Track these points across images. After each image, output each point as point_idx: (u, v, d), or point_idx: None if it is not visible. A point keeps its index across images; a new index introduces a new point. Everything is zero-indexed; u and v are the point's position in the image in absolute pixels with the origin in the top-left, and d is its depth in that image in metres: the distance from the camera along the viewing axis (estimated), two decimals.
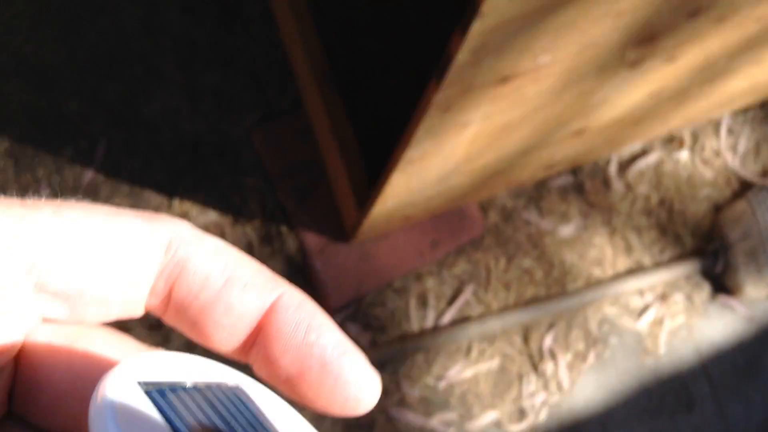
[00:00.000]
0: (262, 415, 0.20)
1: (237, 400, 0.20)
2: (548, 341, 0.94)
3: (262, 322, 0.20)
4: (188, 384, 0.19)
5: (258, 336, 0.20)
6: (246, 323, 0.20)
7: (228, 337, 0.20)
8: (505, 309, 0.94)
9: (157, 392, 0.17)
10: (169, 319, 0.21)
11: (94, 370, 0.20)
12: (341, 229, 0.91)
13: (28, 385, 0.21)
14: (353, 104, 0.87)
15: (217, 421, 0.18)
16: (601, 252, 0.97)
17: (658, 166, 0.99)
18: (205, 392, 0.19)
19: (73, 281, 0.20)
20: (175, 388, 0.18)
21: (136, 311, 0.21)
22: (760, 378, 0.97)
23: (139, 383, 0.17)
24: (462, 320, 0.93)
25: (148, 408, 0.16)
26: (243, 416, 0.20)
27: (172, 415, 0.17)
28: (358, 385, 0.20)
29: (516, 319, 0.93)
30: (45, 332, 0.21)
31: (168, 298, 0.21)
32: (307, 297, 0.21)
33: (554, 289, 0.95)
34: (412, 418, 0.90)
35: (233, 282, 0.20)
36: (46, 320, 0.21)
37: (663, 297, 0.97)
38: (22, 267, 0.19)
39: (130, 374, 0.17)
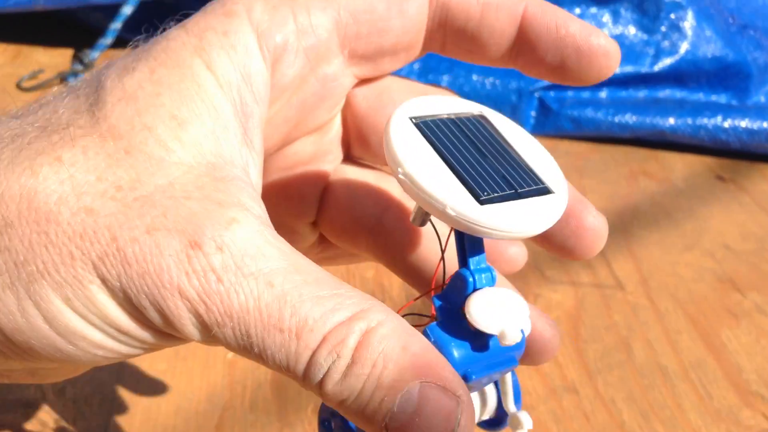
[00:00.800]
0: (500, 133, 0.26)
1: (481, 124, 0.26)
2: None
3: (519, 35, 0.26)
4: (444, 116, 0.26)
5: (519, 47, 0.26)
6: (506, 38, 0.26)
7: (496, 49, 0.26)
8: None
9: (422, 123, 0.25)
10: (449, 50, 0.27)
11: (390, 108, 0.26)
12: None
13: (357, 132, 0.29)
14: None
15: (463, 140, 0.25)
16: None
17: None
18: (458, 123, 0.26)
19: (372, 43, 0.26)
20: (434, 121, 0.25)
21: (417, 52, 0.27)
22: None
23: (410, 118, 0.25)
24: None
25: (415, 132, 0.24)
26: (484, 134, 0.26)
27: (430, 136, 0.24)
28: (604, 55, 0.25)
29: None
30: (360, 92, 0.28)
31: (441, 34, 0.26)
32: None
33: None
34: None
35: (488, 7, 0.26)
36: (359, 79, 0.27)
37: None
38: (335, 41, 0.26)
39: (406, 111, 0.25)
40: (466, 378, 0.23)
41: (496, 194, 0.23)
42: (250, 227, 0.21)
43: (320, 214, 0.30)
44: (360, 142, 0.29)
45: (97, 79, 0.23)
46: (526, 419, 0.26)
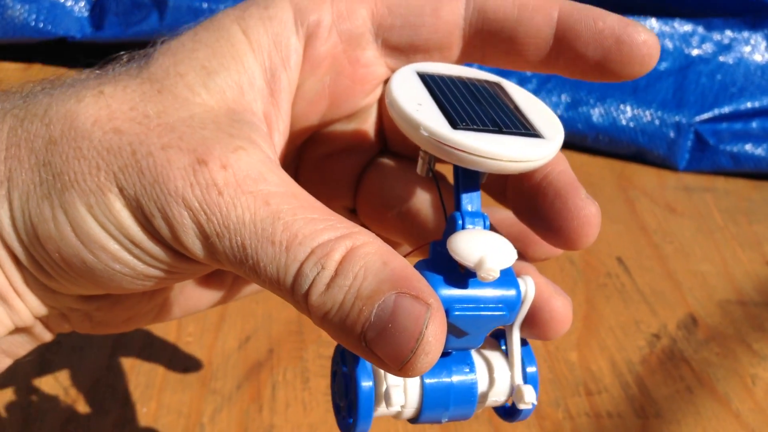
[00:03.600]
0: (509, 95, 0.27)
1: (493, 90, 0.27)
2: None
3: (558, 34, 0.26)
4: (454, 76, 0.27)
5: (559, 46, 0.26)
6: (543, 37, 0.26)
7: (535, 50, 0.27)
8: None
9: (428, 76, 0.26)
10: (489, 57, 0.28)
11: None
12: None
13: (393, 124, 0.29)
14: None
15: (463, 90, 0.26)
16: None
17: None
18: (465, 82, 0.27)
19: (404, 36, 0.27)
20: (442, 77, 0.26)
21: (454, 55, 0.28)
22: None
23: (416, 71, 0.26)
24: None
25: (418, 80, 0.26)
26: (489, 92, 0.26)
27: (431, 85, 0.26)
28: (644, 44, 0.25)
29: None
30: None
31: (480, 39, 0.27)
32: None
33: None
34: None
35: (524, 7, 0.26)
36: (393, 71, 0.28)
37: None
38: (370, 29, 0.27)
39: (416, 67, 0.26)
40: (447, 312, 0.23)
41: (475, 126, 0.24)
42: (255, 156, 0.23)
43: (357, 199, 0.31)
44: (396, 135, 0.30)
45: (153, 47, 0.26)
46: (529, 393, 0.25)
